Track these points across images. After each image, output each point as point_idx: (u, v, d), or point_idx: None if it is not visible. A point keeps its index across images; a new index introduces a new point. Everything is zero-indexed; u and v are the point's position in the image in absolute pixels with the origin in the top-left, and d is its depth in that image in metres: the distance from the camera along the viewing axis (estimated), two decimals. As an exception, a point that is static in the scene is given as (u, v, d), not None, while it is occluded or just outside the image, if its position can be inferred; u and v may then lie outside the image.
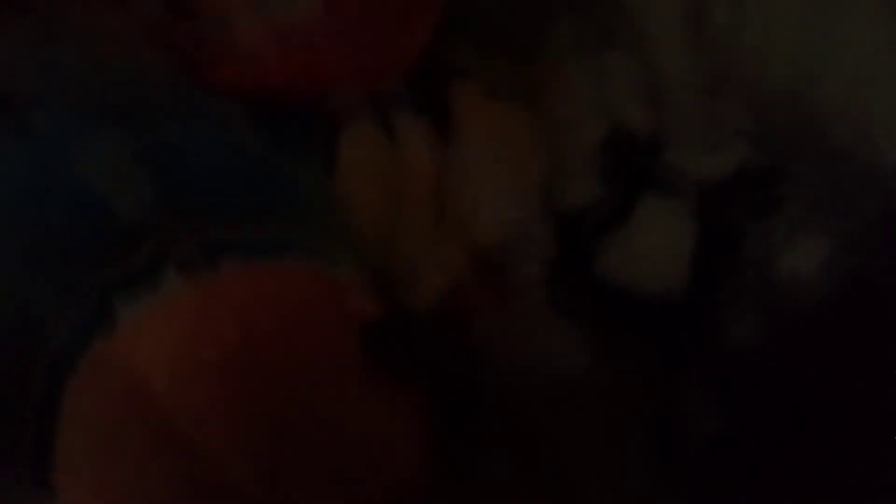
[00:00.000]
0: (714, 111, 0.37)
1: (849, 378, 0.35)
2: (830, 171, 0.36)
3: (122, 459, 0.31)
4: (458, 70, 0.40)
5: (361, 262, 0.36)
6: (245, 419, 0.31)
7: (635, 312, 0.37)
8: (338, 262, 0.35)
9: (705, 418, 0.36)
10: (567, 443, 0.36)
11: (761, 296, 0.36)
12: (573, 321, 0.37)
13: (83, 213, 0.32)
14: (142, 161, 0.33)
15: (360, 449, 0.33)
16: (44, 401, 0.31)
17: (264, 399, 0.32)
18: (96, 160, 0.33)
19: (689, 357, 0.36)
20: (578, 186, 0.39)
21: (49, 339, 0.31)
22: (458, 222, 0.39)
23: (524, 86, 0.39)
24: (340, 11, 0.37)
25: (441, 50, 0.40)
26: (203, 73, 0.36)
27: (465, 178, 0.39)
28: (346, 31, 0.38)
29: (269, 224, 0.35)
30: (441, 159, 0.39)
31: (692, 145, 0.37)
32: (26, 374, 0.31)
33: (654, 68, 0.38)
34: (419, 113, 0.39)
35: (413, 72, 0.39)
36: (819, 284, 0.36)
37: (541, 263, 0.38)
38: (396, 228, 0.38)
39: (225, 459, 0.31)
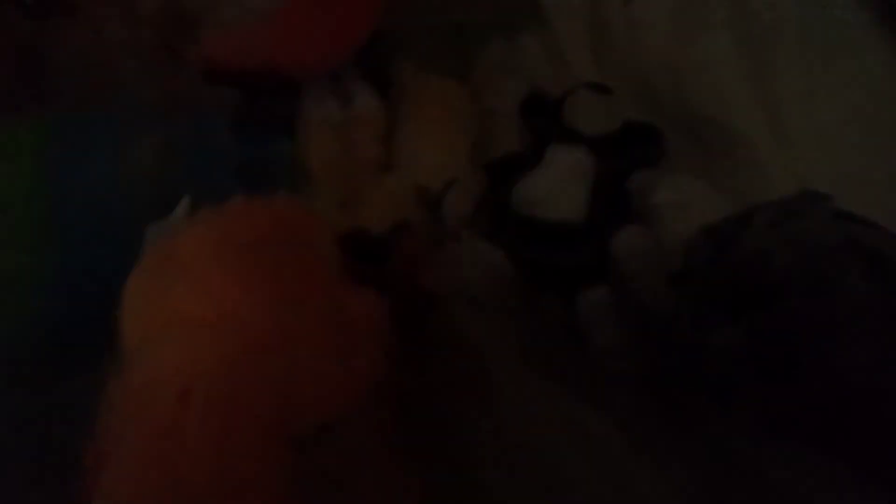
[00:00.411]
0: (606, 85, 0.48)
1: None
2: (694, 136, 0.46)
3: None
4: (399, 48, 0.49)
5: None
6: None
7: (545, 236, 0.46)
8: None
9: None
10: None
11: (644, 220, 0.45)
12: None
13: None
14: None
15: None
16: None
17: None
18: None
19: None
20: (502, 137, 0.48)
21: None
22: (402, 168, 0.48)
23: (456, 60, 0.49)
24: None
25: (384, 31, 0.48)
26: (189, 54, 0.44)
27: (408, 132, 0.48)
28: (303, 16, 0.46)
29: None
30: (387, 117, 0.49)
31: (588, 108, 0.47)
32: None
33: (561, 49, 0.48)
34: (368, 81, 0.48)
35: (362, 49, 0.48)
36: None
37: (470, 201, 0.47)
38: (350, 169, 0.47)
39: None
